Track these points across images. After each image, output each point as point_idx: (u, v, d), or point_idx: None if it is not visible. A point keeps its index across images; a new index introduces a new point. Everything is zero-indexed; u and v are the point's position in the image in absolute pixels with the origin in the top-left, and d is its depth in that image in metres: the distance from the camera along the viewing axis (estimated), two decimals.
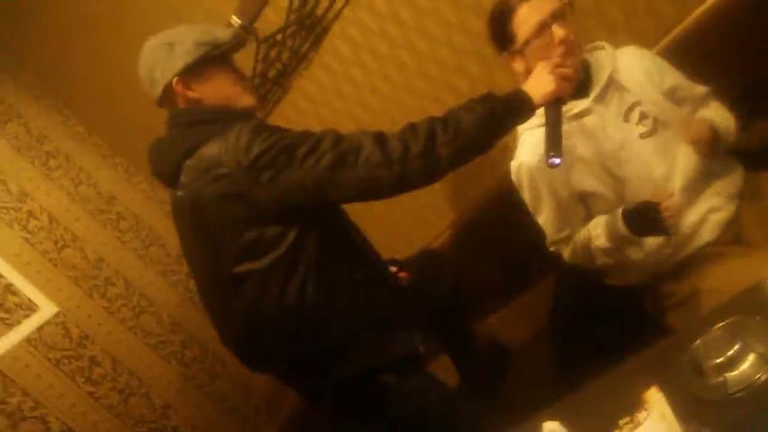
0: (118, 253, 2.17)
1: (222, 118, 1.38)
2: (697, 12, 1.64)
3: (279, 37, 2.05)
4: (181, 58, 1.36)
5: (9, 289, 1.87)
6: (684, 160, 1.37)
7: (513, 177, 1.49)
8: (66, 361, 1.87)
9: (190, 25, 1.45)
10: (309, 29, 2.04)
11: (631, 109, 1.38)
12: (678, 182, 1.37)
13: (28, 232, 2.02)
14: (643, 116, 1.37)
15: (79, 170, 2.29)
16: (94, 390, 1.92)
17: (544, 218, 1.47)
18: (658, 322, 1.43)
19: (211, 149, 1.32)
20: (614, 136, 1.36)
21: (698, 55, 1.58)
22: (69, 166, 2.27)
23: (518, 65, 1.40)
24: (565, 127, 1.32)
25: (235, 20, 2.03)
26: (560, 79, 1.27)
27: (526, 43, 1.34)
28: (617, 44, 1.48)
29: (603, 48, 1.44)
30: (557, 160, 1.23)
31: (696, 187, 1.39)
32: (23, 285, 1.90)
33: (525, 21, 1.33)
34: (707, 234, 1.37)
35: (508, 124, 1.30)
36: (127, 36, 2.25)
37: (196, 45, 1.36)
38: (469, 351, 1.93)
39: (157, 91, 1.39)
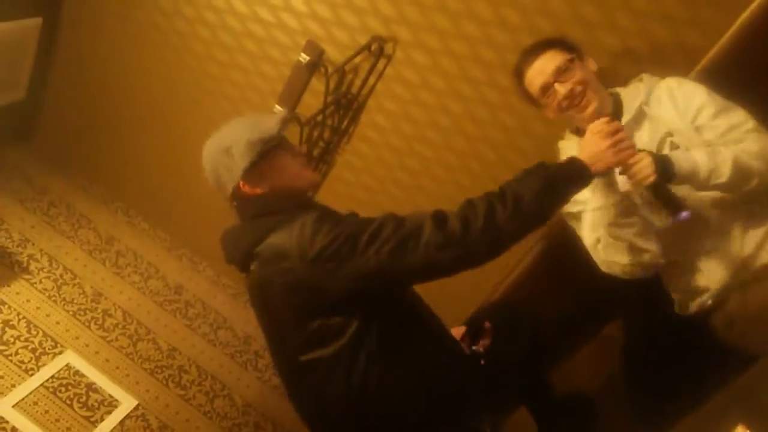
0: (189, 341, 2.24)
1: (285, 208, 1.43)
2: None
3: (319, 118, 2.16)
4: (241, 162, 1.41)
5: (91, 387, 1.96)
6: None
7: None
8: None
9: (239, 119, 1.52)
10: (346, 107, 2.15)
11: (663, 139, 1.40)
12: (715, 212, 1.36)
13: (105, 330, 2.13)
14: (674, 147, 1.39)
15: (147, 265, 2.41)
16: None
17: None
18: (732, 349, 1.37)
19: (278, 239, 1.36)
20: None
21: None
22: (137, 263, 2.40)
23: (550, 113, 1.52)
24: None
25: (278, 109, 2.16)
26: (618, 152, 1.29)
27: (538, 98, 1.49)
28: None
29: (641, 80, 1.49)
30: (686, 213, 1.25)
31: (745, 209, 1.37)
32: (104, 382, 1.99)
33: (531, 84, 1.49)
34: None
35: (567, 194, 1.30)
36: (179, 136, 2.44)
37: (250, 145, 1.42)
38: (550, 403, 1.87)
39: (227, 193, 1.46)
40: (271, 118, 1.52)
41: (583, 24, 1.77)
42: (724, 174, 1.28)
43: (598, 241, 1.44)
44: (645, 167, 1.26)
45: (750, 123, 1.35)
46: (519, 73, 1.53)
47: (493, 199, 1.27)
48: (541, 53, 1.48)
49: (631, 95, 1.47)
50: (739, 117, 1.36)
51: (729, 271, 1.37)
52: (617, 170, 1.33)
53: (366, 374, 1.35)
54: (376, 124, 2.16)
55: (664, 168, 1.26)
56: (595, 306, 1.97)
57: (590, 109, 1.43)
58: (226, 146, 1.44)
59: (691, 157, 1.30)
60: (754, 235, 1.36)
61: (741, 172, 1.29)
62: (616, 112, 1.46)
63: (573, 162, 1.31)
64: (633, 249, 1.39)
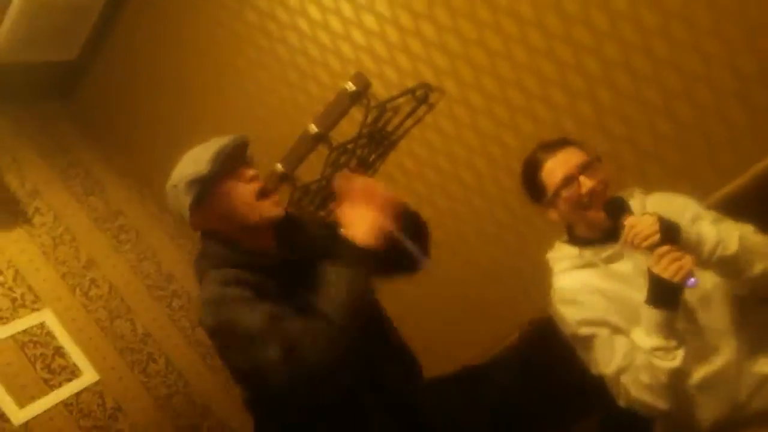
0: (166, 331, 2.22)
1: (221, 252, 1.38)
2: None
3: (350, 146, 2.20)
4: (185, 201, 1.36)
5: (59, 351, 1.93)
6: (720, 310, 1.34)
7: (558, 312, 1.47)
8: (96, 431, 1.88)
9: (191, 152, 1.43)
10: (378, 142, 2.19)
11: None
12: (717, 338, 1.34)
13: (88, 298, 2.11)
14: None
15: (146, 246, 2.41)
16: None
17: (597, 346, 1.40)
18: None
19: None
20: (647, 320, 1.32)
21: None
22: (137, 242, 2.40)
23: (553, 215, 1.47)
24: (593, 271, 1.40)
25: (313, 128, 2.20)
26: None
27: (556, 194, 1.41)
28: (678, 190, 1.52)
29: (632, 196, 1.47)
30: (693, 279, 1.23)
31: (747, 339, 1.35)
32: (72, 350, 1.96)
33: (552, 173, 1.43)
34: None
35: None
36: (208, 133, 2.47)
37: (188, 185, 1.36)
38: None
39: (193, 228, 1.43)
40: (207, 152, 1.39)
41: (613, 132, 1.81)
42: (731, 247, 1.28)
43: (623, 371, 1.34)
44: (649, 226, 1.24)
45: (747, 226, 1.36)
46: (536, 163, 1.46)
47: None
48: (565, 147, 1.45)
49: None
50: (734, 222, 1.37)
51: (722, 411, 1.34)
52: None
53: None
54: (403, 165, 2.19)
55: (669, 229, 1.25)
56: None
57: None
58: (173, 184, 1.38)
59: (699, 228, 1.30)
60: (751, 376, 1.33)
61: (747, 249, 1.29)
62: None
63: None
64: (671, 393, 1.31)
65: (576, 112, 1.87)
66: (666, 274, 1.23)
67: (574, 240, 1.50)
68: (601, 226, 1.43)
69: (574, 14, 1.82)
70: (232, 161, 1.39)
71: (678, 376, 1.27)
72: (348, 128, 2.21)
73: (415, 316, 1.86)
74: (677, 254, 1.23)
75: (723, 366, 1.34)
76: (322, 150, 2.24)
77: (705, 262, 1.29)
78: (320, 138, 2.21)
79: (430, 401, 1.57)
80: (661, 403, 1.29)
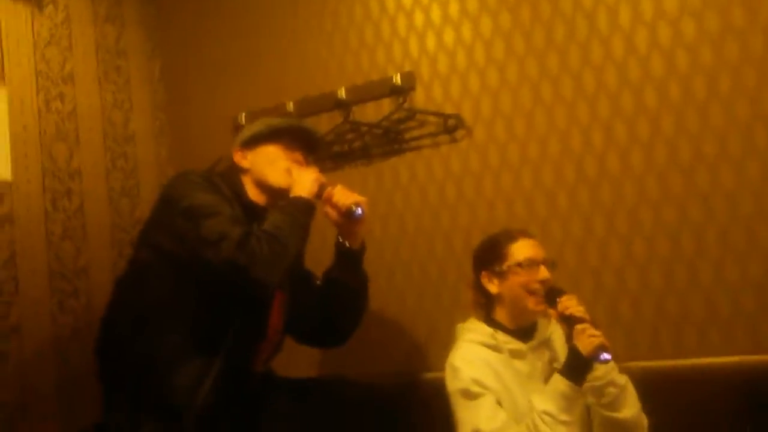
0: (96, 177, 2.11)
1: (222, 174, 1.68)
2: None
3: (365, 128, 2.20)
4: (247, 132, 1.70)
5: None
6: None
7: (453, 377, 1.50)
8: None
9: (286, 117, 1.90)
10: (389, 141, 2.19)
11: (551, 366, 1.52)
12: None
13: (48, 107, 1.99)
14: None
15: (125, 98, 2.32)
16: None
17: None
18: None
19: None
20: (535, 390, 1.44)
21: None
22: (121, 90, 2.30)
23: (491, 287, 1.55)
24: (497, 356, 1.49)
25: (342, 93, 2.19)
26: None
27: (518, 265, 1.51)
28: None
29: (549, 321, 1.60)
30: (608, 355, 1.35)
31: None
32: (3, 137, 1.84)
33: (521, 249, 1.54)
34: None
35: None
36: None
37: (262, 125, 1.69)
38: None
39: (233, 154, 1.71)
40: (292, 121, 1.78)
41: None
42: (621, 379, 1.43)
43: None
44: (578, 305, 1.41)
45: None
46: (509, 236, 1.57)
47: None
48: (534, 239, 1.58)
49: (542, 322, 1.59)
50: None
51: None
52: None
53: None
54: (397, 174, 2.20)
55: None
56: None
57: (543, 309, 1.51)
58: (257, 121, 1.72)
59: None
60: None
61: (628, 390, 1.44)
62: (532, 328, 1.56)
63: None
64: None
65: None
66: (582, 347, 1.35)
67: (491, 322, 1.57)
68: (524, 319, 1.54)
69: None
70: (297, 139, 1.70)
71: None
72: (371, 113, 2.21)
73: None
74: (595, 332, 1.36)
75: None
76: (337, 116, 2.24)
77: (593, 381, 1.41)
78: (343, 105, 2.21)
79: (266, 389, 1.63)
80: None
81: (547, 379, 1.46)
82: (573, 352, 1.38)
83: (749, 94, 1.77)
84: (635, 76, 1.89)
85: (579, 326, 1.38)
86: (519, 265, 1.51)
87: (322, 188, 1.63)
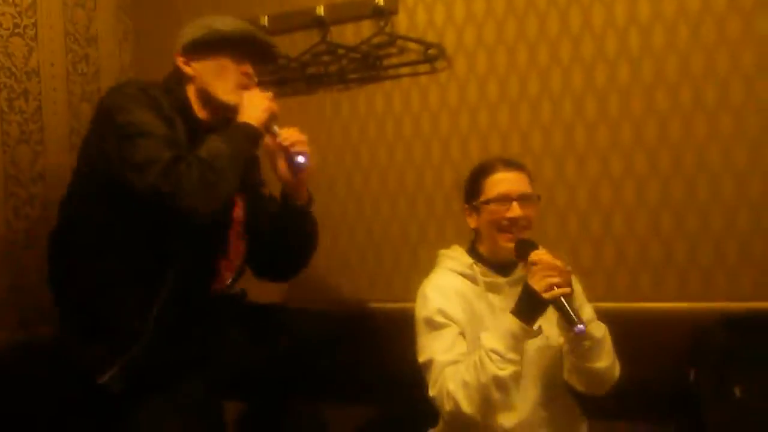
0: (56, 78, 2.01)
1: (162, 82, 1.55)
2: None
3: (342, 51, 2.12)
4: (189, 35, 1.54)
5: None
6: (547, 371, 1.47)
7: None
8: None
9: (235, 18, 1.60)
10: (367, 66, 2.12)
11: None
12: (522, 402, 1.43)
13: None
14: None
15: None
16: None
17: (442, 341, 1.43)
18: None
19: None
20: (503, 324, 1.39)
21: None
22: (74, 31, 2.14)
23: (471, 221, 1.55)
24: (472, 286, 1.49)
25: (320, 10, 2.09)
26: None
27: (487, 201, 1.48)
28: None
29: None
30: (582, 326, 1.29)
31: (534, 420, 1.45)
32: None
33: (495, 184, 1.50)
34: None
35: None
36: None
37: (205, 29, 1.52)
38: None
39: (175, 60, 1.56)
40: (242, 25, 1.57)
41: None
42: (599, 331, 1.42)
43: (451, 364, 1.39)
44: (552, 261, 1.34)
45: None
46: (488, 168, 1.53)
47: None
48: (519, 171, 1.53)
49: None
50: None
51: None
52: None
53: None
54: (372, 103, 2.14)
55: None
56: None
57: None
58: (199, 21, 1.55)
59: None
60: None
61: (605, 341, 1.43)
62: (513, 262, 1.52)
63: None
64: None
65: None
66: (537, 287, 1.31)
67: (473, 253, 1.55)
68: (500, 255, 1.51)
69: None
70: (249, 50, 1.55)
71: (497, 387, 1.33)
72: (350, 35, 2.13)
73: None
74: (552, 272, 1.32)
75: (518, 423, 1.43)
76: (314, 36, 2.14)
77: (573, 336, 1.37)
78: (321, 24, 2.11)
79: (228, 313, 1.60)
80: (466, 405, 1.34)
81: None
82: (526, 290, 1.34)
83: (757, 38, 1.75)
84: (621, 14, 1.86)
85: (535, 258, 1.35)
86: (489, 201, 1.48)
87: (272, 119, 1.51)
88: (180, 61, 1.54)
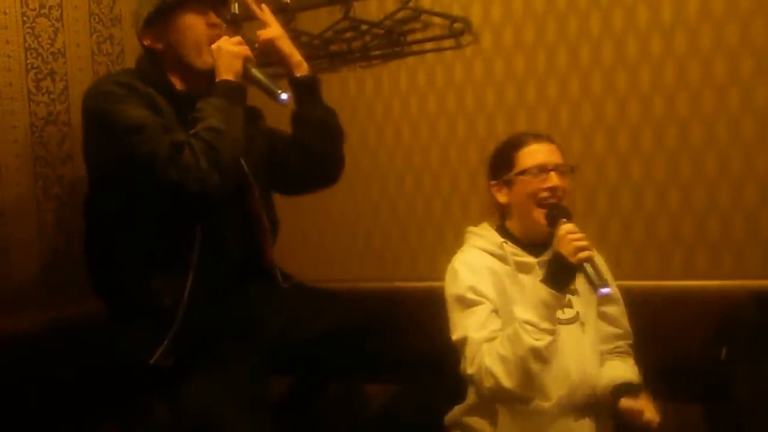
0: (81, 59, 2.01)
1: (136, 68, 1.51)
2: None
3: (365, 27, 2.09)
4: (146, 8, 1.46)
5: None
6: (578, 370, 1.42)
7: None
8: None
9: None
10: (391, 43, 2.09)
11: None
12: (564, 386, 1.40)
13: None
14: (568, 304, 1.45)
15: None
16: None
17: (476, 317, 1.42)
18: None
19: None
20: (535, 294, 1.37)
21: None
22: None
23: (500, 196, 1.50)
24: (502, 266, 1.45)
25: None
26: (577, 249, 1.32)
27: (523, 172, 1.43)
28: None
29: None
30: (608, 289, 1.31)
31: (576, 403, 1.42)
32: None
33: (531, 155, 1.45)
34: None
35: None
36: None
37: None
38: None
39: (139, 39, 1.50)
40: None
41: None
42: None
43: (487, 341, 1.38)
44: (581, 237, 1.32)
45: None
46: (518, 141, 1.49)
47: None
48: (551, 143, 1.49)
49: None
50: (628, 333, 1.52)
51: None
52: None
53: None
54: (396, 80, 2.12)
55: None
56: None
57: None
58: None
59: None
60: None
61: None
62: (545, 241, 1.48)
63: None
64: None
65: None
66: (565, 251, 1.30)
67: (503, 231, 1.53)
68: (533, 231, 1.47)
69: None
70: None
71: (535, 358, 1.31)
72: (374, 11, 2.10)
73: None
74: (580, 236, 1.31)
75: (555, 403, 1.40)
76: (336, 12, 2.12)
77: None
78: (343, 0, 2.08)
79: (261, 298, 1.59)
80: (506, 380, 1.33)
81: None
82: (556, 257, 1.33)
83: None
84: None
85: (563, 228, 1.33)
86: (525, 172, 1.43)
87: (248, 63, 1.45)
88: (145, 41, 1.49)
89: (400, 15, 2.04)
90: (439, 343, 1.48)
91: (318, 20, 2.16)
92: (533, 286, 1.38)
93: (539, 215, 1.42)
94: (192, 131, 1.36)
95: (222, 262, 1.50)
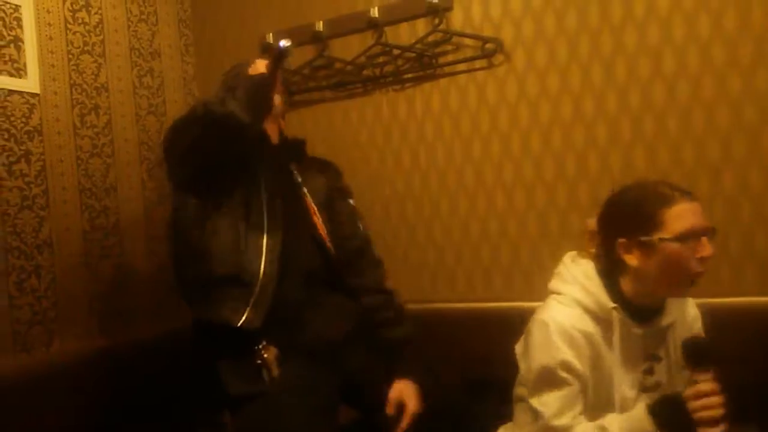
0: (123, 93, 2.08)
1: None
2: None
3: (397, 51, 2.11)
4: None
5: (16, 42, 1.76)
6: None
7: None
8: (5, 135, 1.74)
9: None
10: (423, 66, 2.11)
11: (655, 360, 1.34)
12: None
13: (74, 18, 1.94)
14: (654, 372, 1.33)
15: (153, 16, 2.24)
16: None
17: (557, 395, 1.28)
18: None
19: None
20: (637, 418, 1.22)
21: None
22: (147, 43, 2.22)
23: (632, 258, 1.25)
24: (598, 328, 1.28)
25: (374, 12, 2.09)
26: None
27: (676, 238, 1.20)
28: None
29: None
30: None
31: None
32: (31, 50, 1.78)
33: (683, 216, 1.21)
34: None
35: None
36: None
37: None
38: None
39: None
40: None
41: None
42: None
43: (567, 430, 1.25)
44: (718, 402, 1.14)
45: None
46: (665, 197, 1.23)
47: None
48: (698, 201, 1.25)
49: (673, 305, 1.35)
50: None
51: None
52: None
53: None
54: (428, 102, 2.13)
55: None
56: None
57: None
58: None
59: None
60: None
61: None
62: (658, 308, 1.33)
63: None
64: None
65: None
66: (696, 415, 1.13)
67: (613, 291, 1.30)
68: (659, 297, 1.30)
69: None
70: None
71: None
72: (405, 35, 2.12)
73: None
74: (717, 400, 1.13)
75: None
76: (368, 38, 2.15)
77: None
78: (375, 25, 2.12)
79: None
80: None
81: (644, 364, 1.30)
82: (679, 405, 1.15)
83: None
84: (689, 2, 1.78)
85: (704, 387, 1.14)
86: (677, 239, 1.20)
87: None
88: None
89: (431, 38, 2.06)
90: (479, 358, 1.45)
91: (350, 46, 2.19)
92: (639, 416, 1.21)
93: (689, 284, 1.25)
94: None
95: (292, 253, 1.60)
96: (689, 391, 1.15)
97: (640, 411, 1.20)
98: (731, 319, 1.67)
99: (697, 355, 1.16)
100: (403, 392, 1.63)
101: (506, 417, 1.49)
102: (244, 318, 1.49)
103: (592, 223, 1.36)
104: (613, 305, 1.26)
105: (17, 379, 1.59)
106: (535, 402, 1.29)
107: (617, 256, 1.27)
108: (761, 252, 1.74)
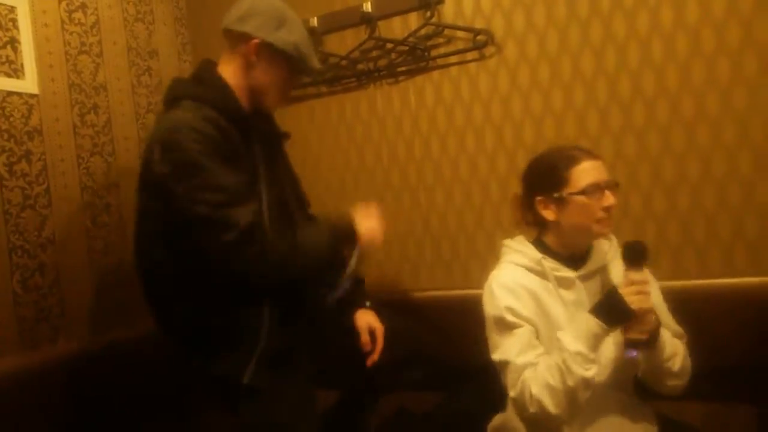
0: (121, 92, 2.11)
1: (223, 96, 1.53)
2: None
3: (390, 45, 2.14)
4: (277, 40, 1.54)
5: (13, 43, 1.79)
6: (608, 387, 1.41)
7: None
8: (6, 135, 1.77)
9: (297, 20, 1.63)
10: (416, 59, 2.13)
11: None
12: (605, 400, 1.40)
13: (71, 19, 1.96)
14: None
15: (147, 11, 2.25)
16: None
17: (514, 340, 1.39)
18: None
19: (163, 122, 1.50)
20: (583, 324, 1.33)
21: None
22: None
23: (549, 213, 1.43)
24: (540, 282, 1.43)
25: (367, 7, 2.12)
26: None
27: (581, 192, 1.37)
28: None
29: (611, 240, 1.51)
30: (636, 352, 1.32)
31: (606, 407, 1.41)
32: (28, 50, 1.80)
33: (586, 173, 1.38)
34: None
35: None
36: None
37: (293, 45, 1.55)
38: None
39: (238, 28, 1.56)
40: (312, 54, 1.62)
41: None
42: (676, 364, 1.36)
43: (529, 366, 1.35)
44: (652, 321, 1.30)
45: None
46: (572, 157, 1.41)
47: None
48: (600, 159, 1.42)
49: (599, 247, 1.49)
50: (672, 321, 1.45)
51: None
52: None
53: None
54: (423, 94, 2.15)
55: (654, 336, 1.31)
56: None
57: (607, 233, 1.44)
58: (282, 18, 1.56)
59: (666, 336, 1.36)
60: None
61: (685, 370, 1.39)
62: (584, 254, 1.47)
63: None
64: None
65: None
66: (628, 296, 1.27)
67: (540, 245, 1.49)
68: (580, 244, 1.46)
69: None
70: (303, 69, 1.63)
71: (584, 388, 1.30)
72: (398, 29, 2.15)
73: None
74: (647, 289, 1.28)
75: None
76: (362, 32, 2.17)
77: (653, 364, 1.36)
78: (368, 20, 2.14)
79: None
80: (553, 408, 1.30)
81: (589, 307, 1.37)
82: (614, 296, 1.29)
83: None
84: None
85: (638, 275, 1.28)
86: (582, 192, 1.37)
87: (369, 245, 1.63)
88: (252, 47, 1.54)
89: (423, 31, 2.09)
90: (477, 351, 1.49)
91: (344, 41, 2.22)
92: (576, 310, 1.37)
93: (601, 229, 1.40)
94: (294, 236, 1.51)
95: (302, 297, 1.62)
96: (623, 282, 1.29)
97: (583, 314, 1.32)
98: (722, 300, 1.71)
99: (631, 255, 1.30)
100: (368, 319, 1.71)
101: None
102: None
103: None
104: (542, 256, 1.44)
105: (23, 375, 1.62)
106: (497, 355, 1.40)
107: (537, 212, 1.45)
108: (750, 234, 1.78)
